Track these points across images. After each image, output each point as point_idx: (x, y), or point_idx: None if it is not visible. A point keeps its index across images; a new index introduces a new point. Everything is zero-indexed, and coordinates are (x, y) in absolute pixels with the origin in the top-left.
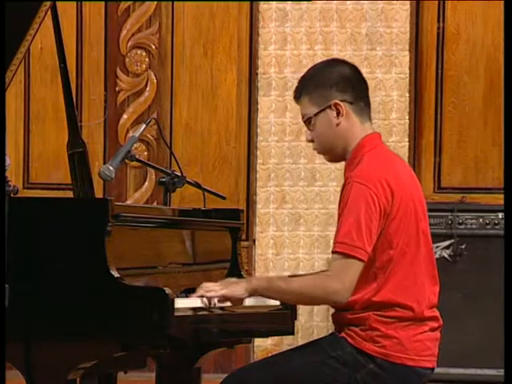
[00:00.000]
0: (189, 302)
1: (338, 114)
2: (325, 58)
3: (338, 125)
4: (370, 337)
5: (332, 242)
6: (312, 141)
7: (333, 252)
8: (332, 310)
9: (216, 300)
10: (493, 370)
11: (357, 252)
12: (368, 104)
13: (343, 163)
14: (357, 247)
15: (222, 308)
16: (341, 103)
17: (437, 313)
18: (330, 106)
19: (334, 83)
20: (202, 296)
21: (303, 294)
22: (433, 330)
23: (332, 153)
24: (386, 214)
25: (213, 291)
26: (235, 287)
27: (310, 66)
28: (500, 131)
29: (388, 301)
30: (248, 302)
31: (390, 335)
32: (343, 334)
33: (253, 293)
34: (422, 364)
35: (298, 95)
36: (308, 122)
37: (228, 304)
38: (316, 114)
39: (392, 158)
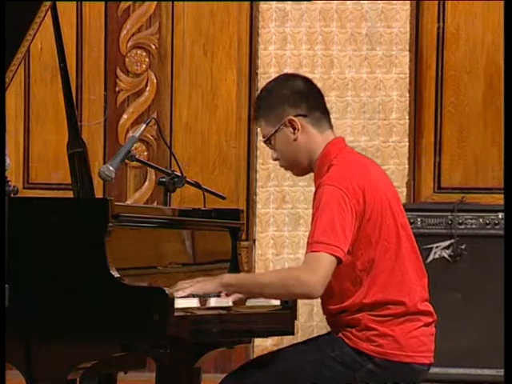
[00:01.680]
0: (189, 302)
1: (294, 129)
2: (325, 58)
3: (295, 140)
4: (366, 336)
5: None
6: (277, 159)
7: (307, 253)
8: None
9: (212, 300)
10: (493, 370)
11: (332, 249)
12: (325, 112)
13: None
14: (332, 245)
15: (221, 308)
16: (295, 118)
17: (430, 307)
18: (284, 124)
19: (284, 100)
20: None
21: (275, 286)
22: (427, 325)
23: (298, 167)
24: (360, 215)
25: (181, 290)
26: (206, 284)
27: (262, 87)
28: (500, 131)
29: (379, 300)
30: (248, 301)
31: (385, 333)
32: (340, 335)
33: (223, 287)
34: (419, 360)
35: (255, 118)
36: (268, 142)
37: (226, 304)
38: (273, 134)
39: (359, 160)
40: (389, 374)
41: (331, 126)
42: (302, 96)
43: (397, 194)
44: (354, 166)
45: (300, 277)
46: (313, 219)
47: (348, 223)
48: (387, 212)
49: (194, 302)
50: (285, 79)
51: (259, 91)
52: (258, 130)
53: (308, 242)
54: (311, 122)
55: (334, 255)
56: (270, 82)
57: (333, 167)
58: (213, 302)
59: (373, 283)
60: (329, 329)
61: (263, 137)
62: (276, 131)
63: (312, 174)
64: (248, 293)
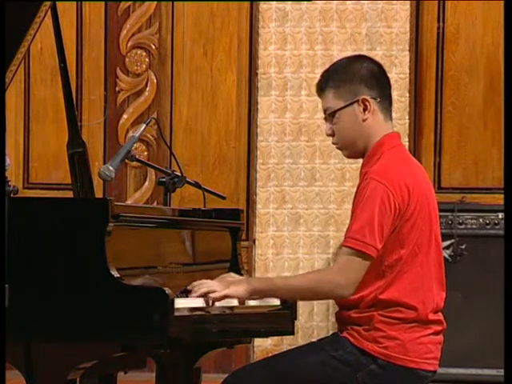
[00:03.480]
0: (189, 302)
1: (365, 109)
2: (325, 58)
3: (364, 120)
4: (372, 337)
5: (332, 241)
6: (332, 135)
7: (343, 246)
8: (332, 309)
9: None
10: (493, 370)
11: (367, 248)
12: (391, 103)
13: (344, 164)
14: (367, 244)
15: (221, 308)
16: (369, 99)
17: (441, 316)
18: (357, 101)
19: (362, 79)
20: (203, 295)
21: (307, 289)
22: (436, 333)
23: (352, 148)
24: (401, 213)
25: (216, 292)
26: (237, 288)
27: (334, 62)
28: (500, 131)
29: (393, 300)
30: (248, 301)
31: (392, 336)
32: (345, 334)
33: (253, 293)
34: (424, 367)
35: (322, 88)
36: (332, 115)
37: (228, 304)
38: (342, 108)
39: (410, 160)
40: (391, 377)
41: (392, 119)
42: (377, 80)
43: (436, 202)
44: (404, 164)
45: (331, 280)
46: (353, 212)
47: (387, 222)
48: (426, 219)
49: (193, 302)
50: (362, 59)
51: (331, 65)
52: (258, 129)
53: (345, 235)
54: (380, 107)
55: (366, 253)
56: (344, 58)
57: (383, 160)
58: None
59: (393, 282)
60: (329, 329)
61: (325, 110)
62: (346, 106)
63: (311, 176)
64: (277, 297)
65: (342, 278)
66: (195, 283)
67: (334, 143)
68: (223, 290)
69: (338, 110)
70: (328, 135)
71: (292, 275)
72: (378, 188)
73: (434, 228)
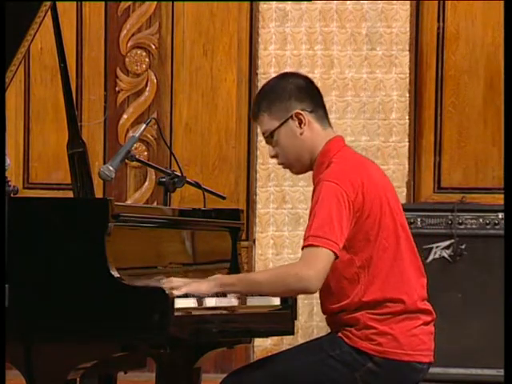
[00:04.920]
0: (189, 302)
1: (301, 123)
2: (325, 58)
3: (301, 134)
4: (365, 335)
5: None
6: (276, 156)
7: (305, 246)
8: None
9: (212, 299)
10: (493, 370)
11: (329, 245)
12: (326, 111)
13: None
14: (329, 240)
15: (221, 308)
16: (302, 112)
17: (429, 306)
18: (291, 117)
19: (291, 94)
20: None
21: (273, 282)
22: (426, 323)
23: (299, 163)
24: (359, 211)
25: (176, 289)
26: (200, 284)
27: (262, 86)
28: (500, 131)
29: (378, 298)
30: (248, 301)
31: (385, 332)
32: (340, 334)
33: (218, 288)
34: (419, 359)
35: (255, 113)
36: (270, 137)
37: (228, 304)
38: (278, 128)
39: (359, 159)
40: (389, 373)
41: (331, 125)
42: (306, 92)
43: (396, 194)
44: (354, 163)
45: (298, 273)
46: (310, 214)
47: (345, 219)
48: (386, 211)
49: (193, 302)
50: (287, 76)
51: (260, 88)
52: (258, 129)
53: (305, 236)
54: (316, 118)
55: (331, 250)
56: (271, 79)
57: (332, 164)
58: (213, 301)
59: (371, 281)
60: (329, 329)
61: (264, 132)
62: (281, 125)
63: (309, 175)
64: (245, 292)
65: (309, 271)
66: (164, 280)
67: (279, 163)
68: (184, 287)
69: (275, 130)
70: (272, 157)
71: (261, 270)
72: (332, 188)
73: (397, 219)
